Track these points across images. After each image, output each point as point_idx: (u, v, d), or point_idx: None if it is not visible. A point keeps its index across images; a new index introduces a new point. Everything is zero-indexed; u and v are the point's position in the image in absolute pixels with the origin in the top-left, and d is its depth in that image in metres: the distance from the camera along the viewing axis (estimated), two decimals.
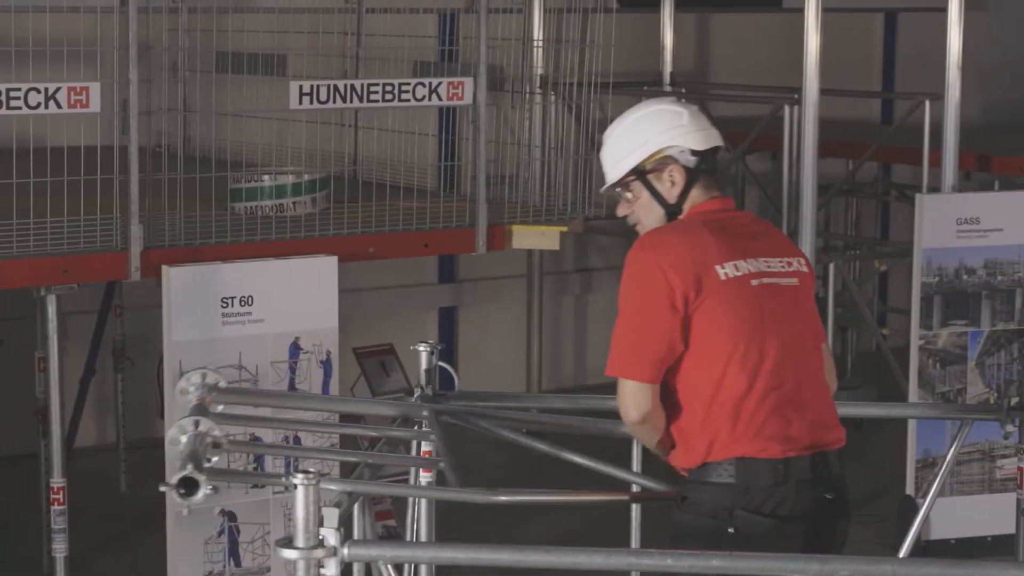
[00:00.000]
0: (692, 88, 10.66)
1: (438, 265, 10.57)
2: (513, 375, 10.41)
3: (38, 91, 5.86)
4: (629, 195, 4.28)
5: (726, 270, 4.07)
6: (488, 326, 10.76)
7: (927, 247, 7.75)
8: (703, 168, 4.27)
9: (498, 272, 10.61)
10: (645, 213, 4.28)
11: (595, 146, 8.59)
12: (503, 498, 3.76)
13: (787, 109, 8.52)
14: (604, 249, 10.99)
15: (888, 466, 8.32)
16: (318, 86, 6.58)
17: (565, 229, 7.51)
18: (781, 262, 4.17)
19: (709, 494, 4.04)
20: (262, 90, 7.51)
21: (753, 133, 9.15)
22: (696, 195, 4.26)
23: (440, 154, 8.07)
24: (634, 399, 4.08)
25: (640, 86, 9.98)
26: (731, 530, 4.00)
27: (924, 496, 4.70)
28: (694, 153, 4.24)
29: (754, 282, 4.10)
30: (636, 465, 4.74)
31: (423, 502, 4.48)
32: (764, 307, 4.09)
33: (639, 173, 4.25)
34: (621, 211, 4.33)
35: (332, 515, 3.19)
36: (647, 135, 4.25)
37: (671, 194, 4.25)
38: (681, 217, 4.25)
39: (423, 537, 4.48)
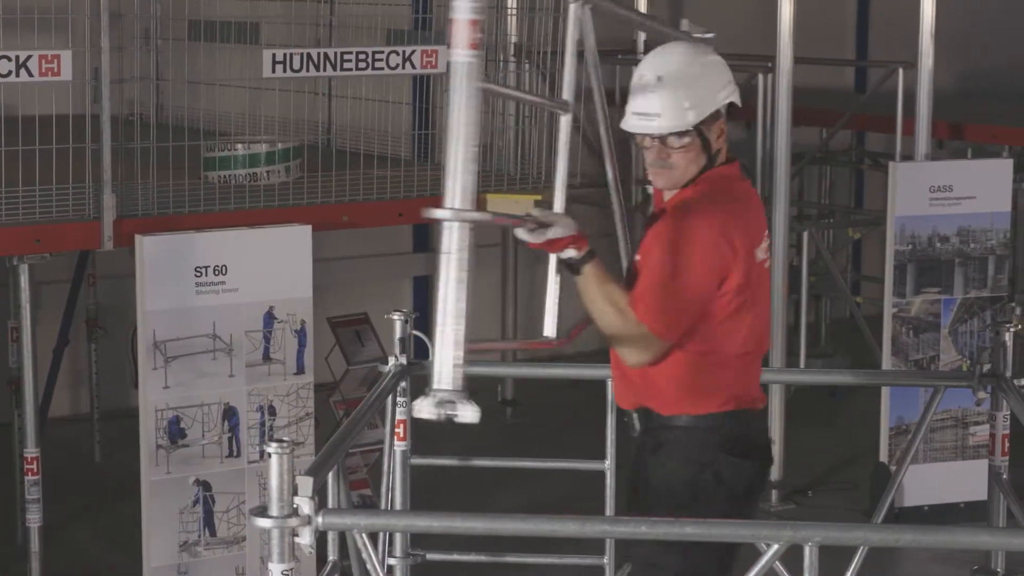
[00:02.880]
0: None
1: (413, 234, 10.55)
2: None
3: (9, 59, 5.81)
4: (685, 141, 4.13)
5: (763, 246, 4.20)
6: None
7: (900, 215, 7.77)
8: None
9: (473, 240, 10.58)
10: (688, 163, 4.16)
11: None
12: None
13: (761, 78, 8.52)
14: (579, 217, 10.95)
15: (862, 433, 8.36)
16: (291, 54, 6.55)
17: (539, 197, 7.49)
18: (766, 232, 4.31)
19: (698, 440, 4.14)
20: (235, 58, 7.46)
21: None
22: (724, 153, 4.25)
23: (414, 122, 8.04)
24: (651, 352, 4.08)
25: (614, 54, 9.97)
26: (711, 476, 4.11)
27: (897, 463, 4.72)
28: (731, 108, 4.24)
29: (767, 257, 4.26)
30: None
31: (397, 470, 4.48)
32: (767, 277, 4.25)
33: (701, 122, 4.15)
34: (660, 156, 4.16)
35: (306, 484, 3.19)
36: (719, 84, 4.17)
37: (715, 147, 4.20)
38: (711, 174, 4.19)
39: (398, 506, 4.48)
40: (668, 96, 4.13)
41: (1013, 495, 4.38)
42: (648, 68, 4.17)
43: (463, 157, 3.22)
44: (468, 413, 3.22)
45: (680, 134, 4.12)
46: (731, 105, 4.19)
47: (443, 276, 3.22)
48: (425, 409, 3.22)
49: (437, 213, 3.26)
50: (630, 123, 4.20)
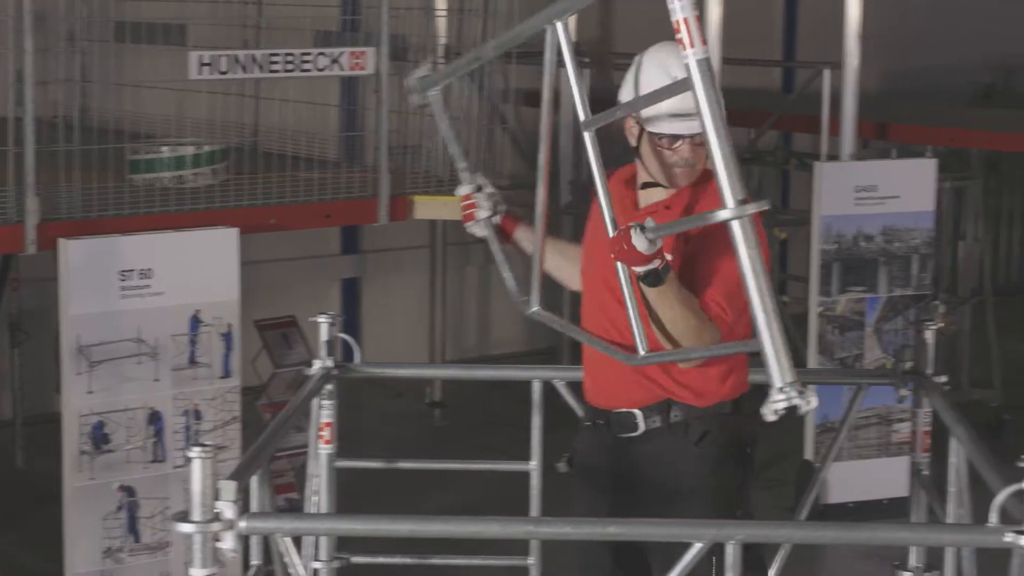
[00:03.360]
0: (597, 58, 10.67)
1: (341, 236, 10.53)
2: (417, 346, 10.40)
3: None
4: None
5: None
6: (391, 297, 10.74)
7: (826, 215, 7.83)
8: None
9: (402, 243, 10.58)
10: (703, 160, 4.16)
11: (497, 115, 8.64)
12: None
13: None
14: None
15: (788, 431, 8.40)
16: (218, 56, 6.53)
17: None
18: None
19: (732, 425, 4.23)
20: (161, 60, 7.42)
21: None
22: None
23: (342, 124, 8.03)
24: (711, 351, 4.02)
25: (543, 55, 9.98)
26: (748, 451, 4.27)
27: (823, 461, 4.76)
28: None
29: None
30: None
31: (323, 474, 4.47)
32: None
33: None
34: (694, 156, 4.13)
35: (229, 488, 3.18)
36: None
37: None
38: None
39: (323, 510, 4.47)
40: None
41: (933, 491, 4.43)
42: (676, 68, 4.01)
43: (730, 154, 3.13)
44: (813, 398, 3.20)
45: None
46: None
47: (750, 273, 3.12)
48: (777, 407, 3.17)
49: (723, 214, 3.14)
50: (672, 126, 4.12)
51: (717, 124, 3.12)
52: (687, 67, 3.17)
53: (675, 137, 4.13)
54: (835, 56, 8.26)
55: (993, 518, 3.09)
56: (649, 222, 3.69)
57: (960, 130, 8.91)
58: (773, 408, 3.17)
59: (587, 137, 3.82)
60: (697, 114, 3.97)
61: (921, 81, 12.51)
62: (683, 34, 3.14)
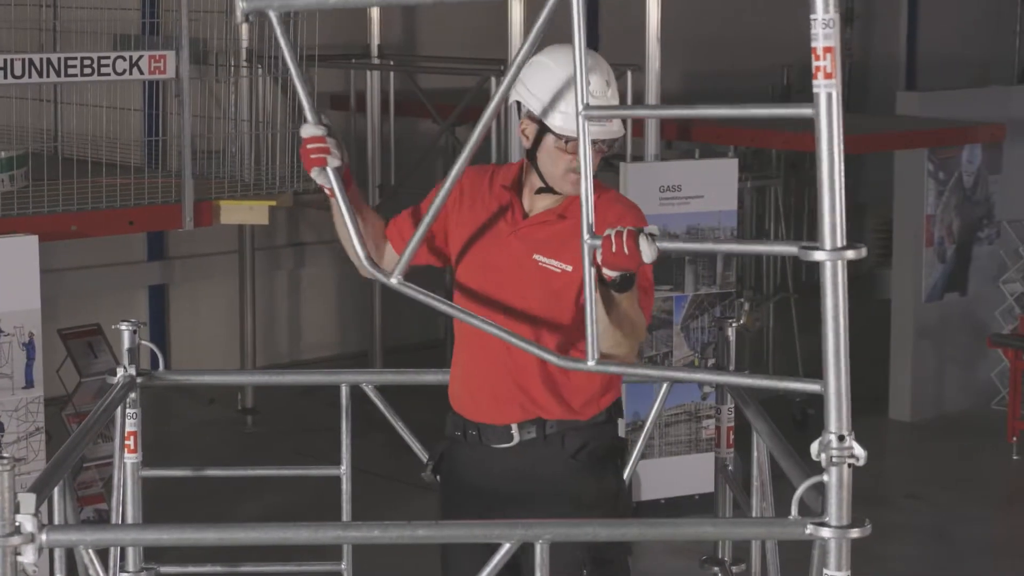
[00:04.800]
0: (400, 60, 10.67)
1: (147, 242, 10.37)
2: (228, 352, 10.29)
3: None
4: (610, 148, 4.11)
5: None
6: (200, 303, 10.61)
7: None
8: None
9: (209, 248, 10.47)
10: (595, 167, 4.00)
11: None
12: None
13: (493, 81, 8.60)
14: (316, 223, 10.93)
15: None
16: (12, 60, 6.40)
17: (274, 203, 7.46)
18: None
19: (608, 435, 4.20)
20: None
21: (461, 105, 9.22)
22: None
23: (145, 129, 7.91)
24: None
25: (348, 58, 9.96)
26: (620, 461, 4.26)
27: (631, 458, 4.80)
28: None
29: None
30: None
31: (128, 484, 4.40)
32: None
33: None
34: (596, 163, 3.99)
35: (29, 501, 3.11)
36: None
37: None
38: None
39: (129, 519, 4.39)
40: (616, 102, 4.13)
41: (738, 486, 4.51)
42: (596, 72, 3.99)
43: (840, 193, 3.00)
44: (861, 451, 3.07)
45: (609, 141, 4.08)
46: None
47: (832, 317, 3.00)
48: (833, 455, 3.04)
49: (819, 255, 3.01)
50: (587, 128, 3.78)
51: (833, 160, 3.00)
52: (815, 96, 3.00)
53: (575, 141, 3.90)
54: (637, 58, 8.37)
55: (794, 511, 3.15)
56: (652, 228, 3.56)
57: (760, 131, 9.07)
58: (831, 456, 3.05)
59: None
60: (614, 120, 4.01)
61: (722, 83, 12.73)
62: (822, 63, 2.96)
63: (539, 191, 4.14)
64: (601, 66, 4.08)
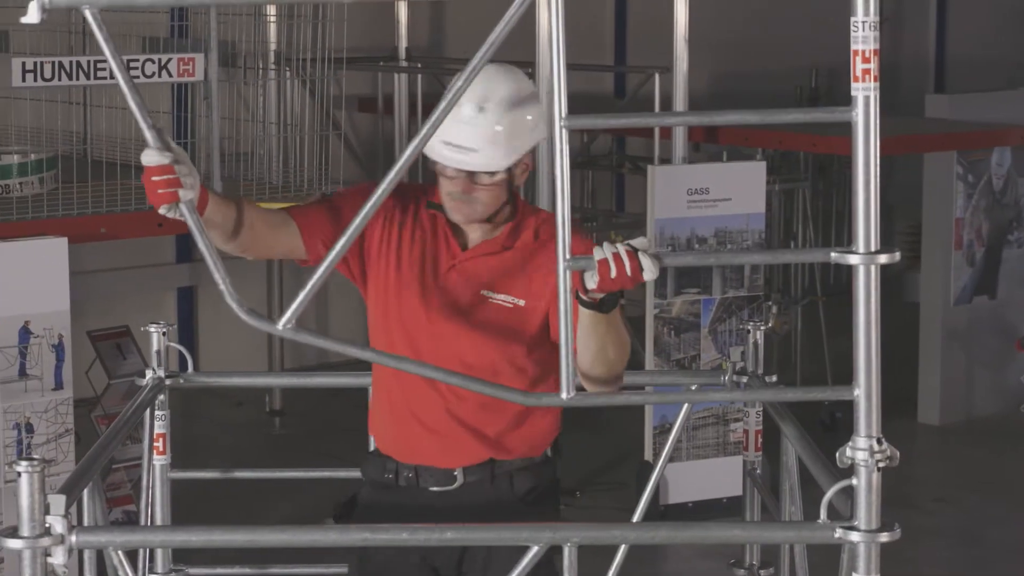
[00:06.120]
0: (427, 62, 10.68)
1: (175, 245, 10.40)
2: (255, 354, 10.31)
3: None
4: (497, 179, 3.75)
5: None
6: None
7: (660, 217, 7.91)
8: None
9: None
10: (493, 199, 3.79)
11: (331, 121, 8.61)
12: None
13: None
14: None
15: (629, 434, 8.48)
16: (42, 63, 6.42)
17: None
18: None
19: (551, 470, 4.05)
20: None
21: None
22: None
23: (174, 132, 7.93)
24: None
25: (376, 61, 9.97)
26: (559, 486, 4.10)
27: (658, 462, 4.80)
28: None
29: None
30: None
31: (157, 485, 4.41)
32: None
33: None
34: (466, 191, 3.77)
35: (59, 502, 3.12)
36: (538, 119, 3.80)
37: (518, 183, 3.85)
38: (520, 211, 3.89)
39: (158, 521, 4.41)
40: (489, 131, 3.73)
41: (766, 489, 4.50)
42: (470, 95, 3.67)
43: (874, 198, 2.94)
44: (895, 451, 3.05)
45: (493, 172, 3.76)
46: None
47: (864, 322, 2.97)
48: (862, 458, 3.02)
49: (852, 259, 2.95)
50: (441, 153, 3.75)
51: (869, 164, 2.94)
52: (853, 99, 2.94)
53: (444, 166, 3.78)
54: (665, 60, 8.36)
55: (823, 515, 3.14)
56: (641, 241, 3.28)
57: (789, 134, 9.05)
58: (862, 460, 3.03)
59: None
60: (474, 151, 3.69)
61: (749, 85, 12.71)
62: (862, 65, 2.92)
63: (485, 220, 3.87)
64: (486, 84, 3.73)
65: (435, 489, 3.94)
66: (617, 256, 3.24)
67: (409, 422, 3.94)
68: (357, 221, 3.09)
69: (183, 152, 3.32)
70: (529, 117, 3.79)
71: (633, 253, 3.24)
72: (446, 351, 3.83)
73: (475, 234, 3.90)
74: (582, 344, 3.56)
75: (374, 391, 4.10)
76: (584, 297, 3.41)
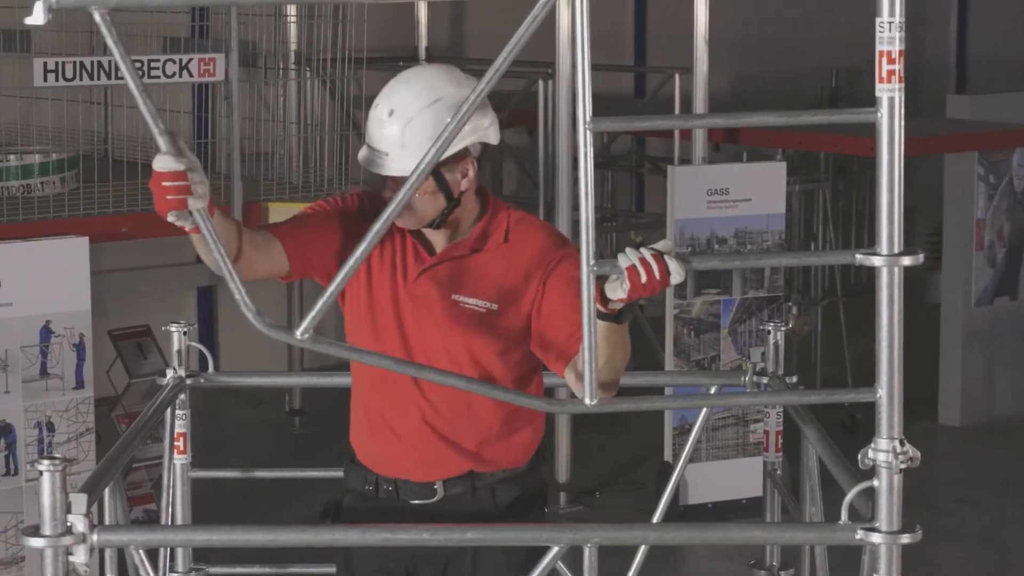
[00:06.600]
0: (447, 63, 10.67)
1: None
2: (276, 353, 10.33)
3: None
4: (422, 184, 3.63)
5: None
6: None
7: (679, 218, 7.91)
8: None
9: None
10: (425, 204, 3.72)
11: (351, 122, 8.61)
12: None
13: (541, 84, 8.60)
14: None
15: (649, 434, 8.48)
16: (63, 63, 6.43)
17: None
18: None
19: (537, 478, 3.98)
20: (5, 67, 7.30)
21: (508, 108, 9.23)
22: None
23: (194, 132, 7.96)
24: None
25: (396, 61, 9.97)
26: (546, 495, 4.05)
27: (678, 463, 4.79)
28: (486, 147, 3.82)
29: None
30: None
31: (177, 484, 4.42)
32: None
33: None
34: (389, 194, 3.71)
35: (80, 501, 3.13)
36: (459, 122, 3.52)
37: (458, 189, 3.77)
38: (489, 212, 3.83)
39: (179, 520, 4.42)
40: (396, 135, 3.69)
41: (786, 490, 4.49)
42: (383, 97, 3.71)
43: (897, 200, 2.93)
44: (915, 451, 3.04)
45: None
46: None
47: (886, 323, 2.96)
48: (885, 459, 3.01)
49: (876, 260, 2.94)
50: (362, 155, 3.78)
51: (893, 165, 2.93)
52: (878, 100, 2.92)
53: None
54: (685, 61, 8.35)
55: (844, 516, 3.13)
56: (665, 244, 3.21)
57: (809, 134, 9.04)
58: (884, 461, 3.01)
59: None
60: (384, 154, 3.63)
61: (769, 85, 12.70)
62: (887, 66, 2.90)
63: (429, 225, 3.80)
64: (398, 87, 3.71)
65: (416, 502, 3.89)
66: (644, 261, 3.16)
67: (386, 434, 3.91)
68: (377, 227, 3.05)
69: (196, 160, 3.21)
70: (438, 121, 3.65)
71: (660, 257, 3.16)
72: (421, 358, 3.79)
73: (441, 238, 3.85)
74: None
75: (352, 404, 4.05)
76: (603, 309, 3.31)
